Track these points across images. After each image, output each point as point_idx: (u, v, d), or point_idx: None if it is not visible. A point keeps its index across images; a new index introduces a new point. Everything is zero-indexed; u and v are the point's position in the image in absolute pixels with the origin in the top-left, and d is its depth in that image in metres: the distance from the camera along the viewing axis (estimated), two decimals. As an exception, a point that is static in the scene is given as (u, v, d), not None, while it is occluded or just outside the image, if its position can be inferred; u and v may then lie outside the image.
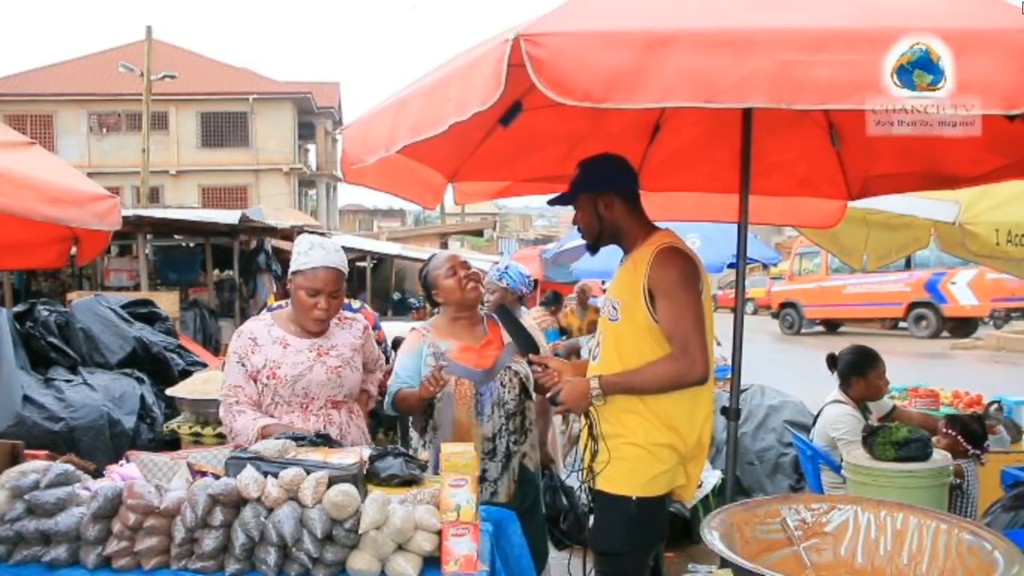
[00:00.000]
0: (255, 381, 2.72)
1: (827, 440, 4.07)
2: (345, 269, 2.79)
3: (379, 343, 3.51)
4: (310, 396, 2.72)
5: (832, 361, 4.26)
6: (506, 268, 4.43)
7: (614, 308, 2.67)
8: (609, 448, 2.60)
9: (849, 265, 5.62)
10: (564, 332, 8.37)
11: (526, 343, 2.91)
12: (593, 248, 2.83)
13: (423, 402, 2.91)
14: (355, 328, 2.91)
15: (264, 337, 2.75)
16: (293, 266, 2.77)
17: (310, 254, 2.74)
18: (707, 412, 2.68)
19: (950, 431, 3.97)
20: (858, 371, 4.11)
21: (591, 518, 2.87)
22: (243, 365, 2.73)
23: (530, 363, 2.85)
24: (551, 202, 2.97)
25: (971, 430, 3.99)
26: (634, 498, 2.58)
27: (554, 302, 8.92)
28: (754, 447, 5.68)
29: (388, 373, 3.22)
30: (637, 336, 2.59)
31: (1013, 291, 15.93)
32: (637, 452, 2.58)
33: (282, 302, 3.59)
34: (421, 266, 3.28)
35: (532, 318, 5.40)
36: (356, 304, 4.08)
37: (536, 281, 11.00)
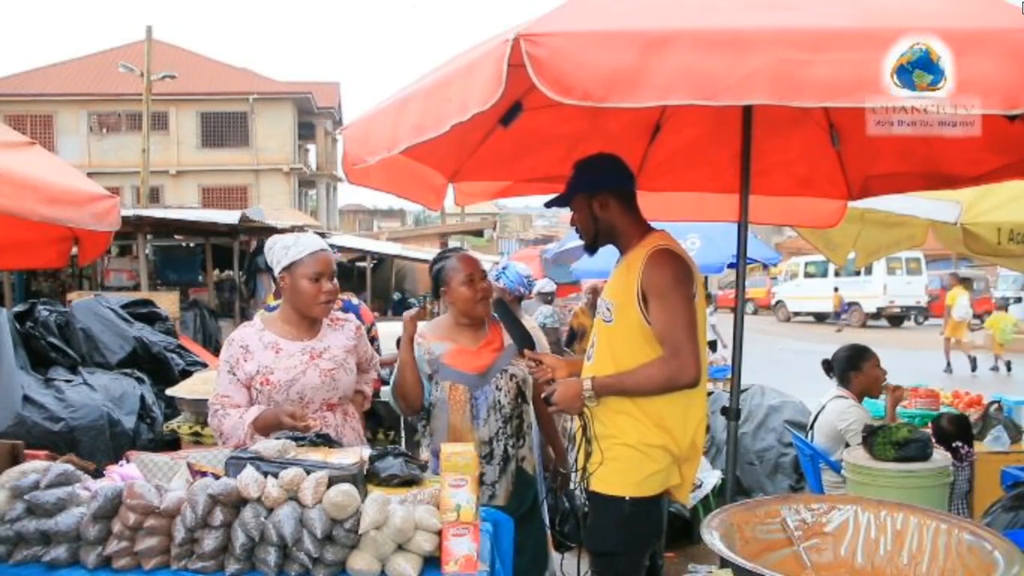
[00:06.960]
0: (248, 388, 2.70)
1: (832, 434, 4.07)
2: None
3: (372, 340, 3.48)
4: (305, 400, 2.70)
5: (827, 366, 4.29)
6: (504, 268, 4.38)
7: (608, 310, 2.66)
8: (603, 449, 2.59)
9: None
10: (575, 333, 8.32)
11: (522, 338, 2.89)
12: (591, 249, 2.81)
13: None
14: (347, 329, 2.88)
15: (255, 344, 2.72)
16: (284, 262, 2.72)
17: (300, 243, 2.74)
18: (701, 414, 2.67)
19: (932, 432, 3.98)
20: (854, 366, 4.14)
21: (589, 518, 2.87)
22: (233, 374, 2.70)
23: (523, 357, 2.84)
24: (548, 204, 2.94)
25: (943, 430, 4.00)
26: (627, 498, 2.57)
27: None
28: (754, 447, 5.69)
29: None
30: (630, 338, 2.58)
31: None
32: (630, 453, 2.57)
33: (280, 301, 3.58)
34: (435, 257, 3.18)
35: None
36: (355, 300, 4.04)
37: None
